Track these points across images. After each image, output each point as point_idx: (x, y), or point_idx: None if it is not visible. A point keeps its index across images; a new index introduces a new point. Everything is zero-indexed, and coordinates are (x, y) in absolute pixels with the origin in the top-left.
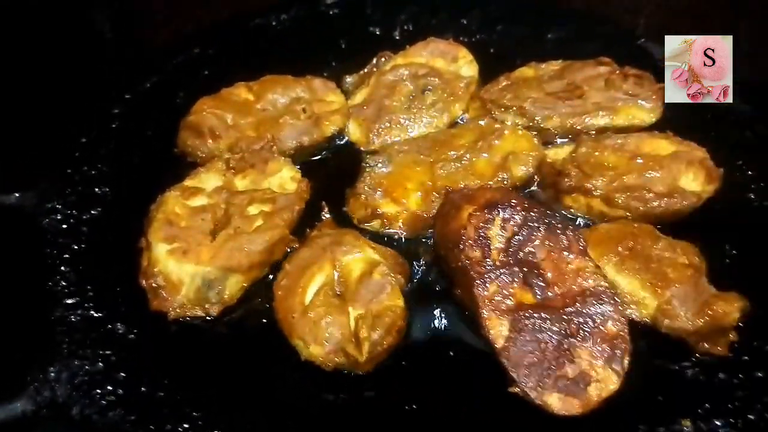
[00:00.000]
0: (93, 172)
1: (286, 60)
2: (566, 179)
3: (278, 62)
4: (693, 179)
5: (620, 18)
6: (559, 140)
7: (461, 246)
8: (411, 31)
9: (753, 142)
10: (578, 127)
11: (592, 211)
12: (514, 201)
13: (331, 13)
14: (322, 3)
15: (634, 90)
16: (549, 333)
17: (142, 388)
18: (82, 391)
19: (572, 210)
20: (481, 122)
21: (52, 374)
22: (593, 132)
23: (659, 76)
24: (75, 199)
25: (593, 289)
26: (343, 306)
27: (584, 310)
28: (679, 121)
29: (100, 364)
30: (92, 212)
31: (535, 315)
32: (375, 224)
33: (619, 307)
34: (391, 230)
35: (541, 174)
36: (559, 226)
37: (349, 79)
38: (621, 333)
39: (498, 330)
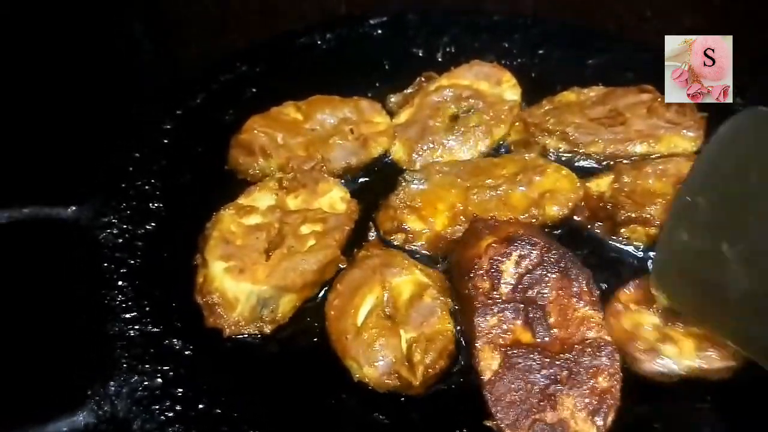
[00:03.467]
0: (146, 187)
1: (331, 79)
2: (622, 211)
3: (323, 81)
4: None
5: (652, 40)
6: (590, 166)
7: (472, 274)
8: (453, 53)
9: None
10: (621, 154)
11: (653, 239)
12: (535, 239)
13: (374, 34)
14: (366, 23)
15: (677, 119)
16: (538, 375)
17: (200, 405)
18: (142, 407)
19: (631, 240)
20: (527, 156)
21: (112, 389)
22: (632, 159)
23: (701, 105)
24: (130, 214)
25: (593, 341)
26: (394, 328)
27: (579, 360)
28: None
29: (159, 379)
30: (147, 227)
31: (529, 355)
32: (399, 238)
33: (616, 364)
34: (413, 247)
35: (591, 209)
36: (576, 272)
37: (393, 98)
38: (612, 389)
39: (488, 363)
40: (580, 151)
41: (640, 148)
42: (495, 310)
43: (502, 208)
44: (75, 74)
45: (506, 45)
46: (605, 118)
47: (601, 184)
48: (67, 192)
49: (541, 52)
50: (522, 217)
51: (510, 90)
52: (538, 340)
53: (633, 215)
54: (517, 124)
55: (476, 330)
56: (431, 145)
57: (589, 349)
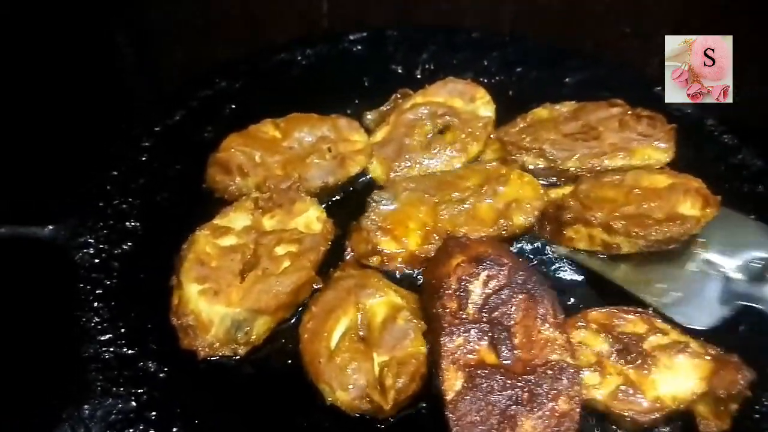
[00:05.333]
0: (124, 206)
1: (310, 95)
2: (567, 212)
3: (302, 97)
4: (691, 206)
5: (631, 58)
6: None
7: (440, 294)
8: (432, 70)
9: (765, 197)
10: (597, 168)
11: (594, 242)
12: (505, 260)
13: (354, 50)
14: (346, 39)
15: (647, 131)
16: (500, 396)
17: (174, 429)
18: (116, 430)
19: (574, 242)
20: (488, 166)
21: (87, 412)
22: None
23: (669, 117)
24: (107, 233)
25: (556, 364)
26: (367, 351)
27: (541, 382)
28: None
29: (133, 402)
30: (123, 247)
31: (492, 376)
32: (374, 261)
33: (576, 387)
34: (390, 268)
35: (542, 213)
36: (541, 293)
37: (369, 116)
38: (571, 412)
39: (452, 383)
40: (558, 167)
41: (615, 162)
42: (461, 331)
43: (471, 222)
44: (54, 90)
45: (485, 62)
46: (579, 133)
47: (560, 192)
48: (44, 211)
49: (519, 70)
50: (491, 229)
51: (484, 107)
52: (503, 361)
53: (575, 215)
54: (493, 142)
55: (442, 350)
56: (408, 164)
57: (551, 372)
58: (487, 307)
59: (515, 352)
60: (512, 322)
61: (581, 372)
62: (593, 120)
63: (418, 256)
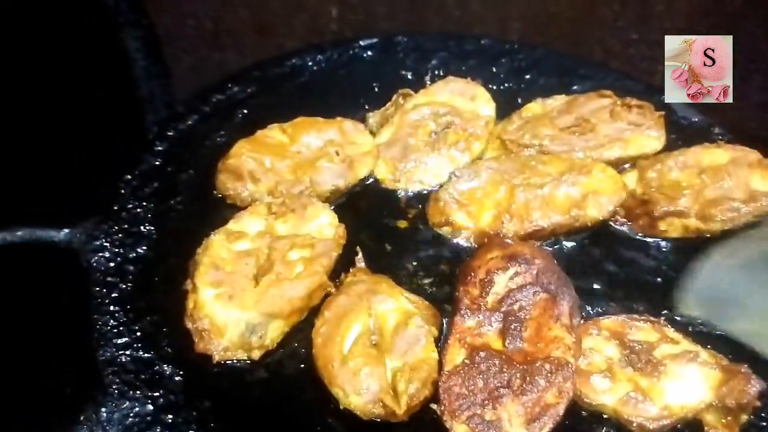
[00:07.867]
0: (138, 210)
1: (321, 101)
2: (658, 206)
3: (314, 103)
4: (761, 180)
5: (638, 65)
6: None
7: (467, 279)
8: (442, 77)
9: None
10: (597, 160)
11: (688, 230)
12: (536, 261)
13: (364, 56)
14: (356, 45)
15: (638, 120)
16: (493, 378)
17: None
18: None
19: (668, 233)
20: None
21: (104, 415)
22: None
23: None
24: (122, 237)
25: (556, 359)
26: (380, 356)
27: (537, 373)
28: None
29: (150, 405)
30: (138, 251)
31: (491, 359)
32: (445, 230)
33: (569, 384)
34: (457, 238)
35: (625, 207)
36: (563, 297)
37: (371, 117)
38: (556, 406)
39: (453, 356)
40: None
41: (613, 153)
42: (476, 315)
43: (545, 208)
44: (68, 95)
45: (494, 69)
46: (574, 127)
47: (627, 180)
48: (60, 214)
49: (527, 77)
50: (564, 217)
51: (484, 105)
52: (507, 348)
53: (670, 209)
54: (492, 140)
55: (452, 327)
56: (413, 164)
57: (549, 365)
58: (507, 299)
59: (522, 343)
60: (527, 317)
61: (591, 380)
62: (586, 112)
63: (487, 233)
